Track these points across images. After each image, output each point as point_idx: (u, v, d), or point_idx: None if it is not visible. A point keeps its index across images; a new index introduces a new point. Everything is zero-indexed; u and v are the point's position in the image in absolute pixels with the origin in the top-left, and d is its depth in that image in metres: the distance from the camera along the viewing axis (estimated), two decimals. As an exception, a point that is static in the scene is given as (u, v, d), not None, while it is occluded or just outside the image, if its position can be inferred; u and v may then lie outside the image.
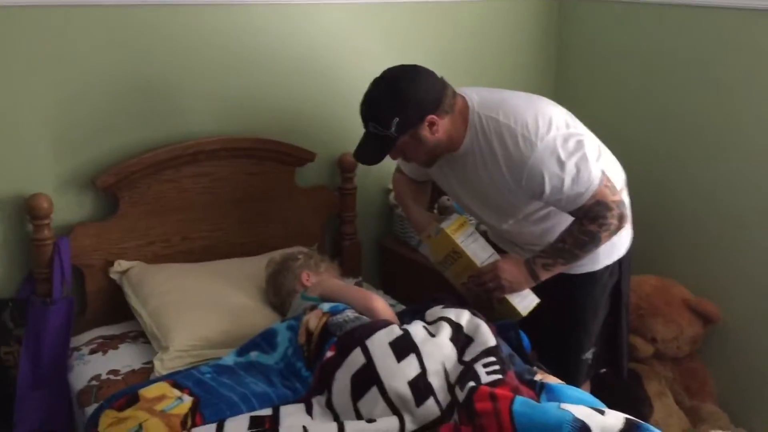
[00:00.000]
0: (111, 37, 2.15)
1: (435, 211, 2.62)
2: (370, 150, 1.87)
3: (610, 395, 2.41)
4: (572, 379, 2.10)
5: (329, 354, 1.72)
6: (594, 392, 2.27)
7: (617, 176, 1.99)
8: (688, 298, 2.60)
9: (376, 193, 2.76)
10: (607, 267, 2.07)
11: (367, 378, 1.65)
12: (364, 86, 1.85)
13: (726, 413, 2.58)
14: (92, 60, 2.13)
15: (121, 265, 2.21)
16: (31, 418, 2.00)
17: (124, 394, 1.70)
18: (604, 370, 2.30)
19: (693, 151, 2.67)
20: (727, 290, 2.60)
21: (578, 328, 2.13)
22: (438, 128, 1.83)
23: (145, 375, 1.91)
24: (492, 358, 1.70)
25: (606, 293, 2.12)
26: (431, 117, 1.81)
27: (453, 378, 1.67)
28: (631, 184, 2.10)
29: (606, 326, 2.17)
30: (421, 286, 2.40)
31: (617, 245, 2.04)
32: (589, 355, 2.17)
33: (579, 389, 1.79)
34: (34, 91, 2.07)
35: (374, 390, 1.63)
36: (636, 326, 2.59)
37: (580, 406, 1.56)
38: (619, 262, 2.10)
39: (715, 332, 2.64)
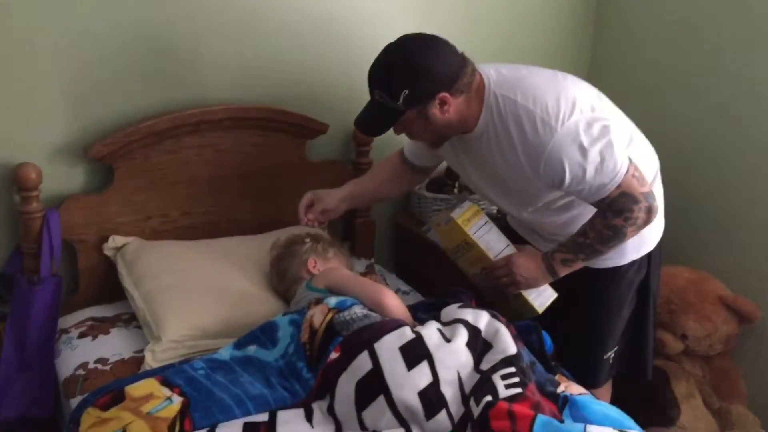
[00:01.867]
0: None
1: (455, 191, 2.46)
2: (372, 119, 1.70)
3: (635, 396, 2.29)
4: (593, 381, 2.02)
5: (333, 355, 1.58)
6: (618, 392, 2.16)
7: (649, 165, 1.83)
8: (724, 294, 2.44)
9: (392, 168, 2.57)
10: (634, 262, 1.92)
11: (374, 386, 1.51)
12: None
13: (758, 417, 2.43)
14: (88, 17, 1.95)
15: (115, 240, 2.07)
16: (17, 402, 1.88)
17: (110, 390, 1.57)
18: (628, 369, 2.15)
19: (735, 135, 2.48)
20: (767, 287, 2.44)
21: (601, 326, 1.99)
22: (449, 108, 1.66)
23: (134, 366, 1.78)
24: (511, 369, 1.55)
25: (632, 289, 1.98)
26: (444, 95, 1.63)
27: (468, 388, 1.53)
28: (666, 169, 1.92)
29: (631, 323, 2.03)
30: (437, 268, 2.24)
31: (647, 238, 1.88)
32: (611, 354, 2.03)
33: (605, 403, 1.65)
34: (22, 50, 1.89)
35: (381, 399, 1.49)
36: (665, 321, 2.44)
37: (607, 429, 1.43)
38: (648, 256, 1.95)
39: (750, 330, 2.48)
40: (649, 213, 1.69)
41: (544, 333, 1.80)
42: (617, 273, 1.91)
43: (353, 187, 2.06)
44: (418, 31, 1.67)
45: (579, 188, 1.65)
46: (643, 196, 1.67)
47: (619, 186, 1.64)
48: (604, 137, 1.62)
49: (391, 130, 1.72)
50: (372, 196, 2.15)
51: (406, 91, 1.60)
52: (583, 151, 1.61)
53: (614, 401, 2.12)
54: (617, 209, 1.66)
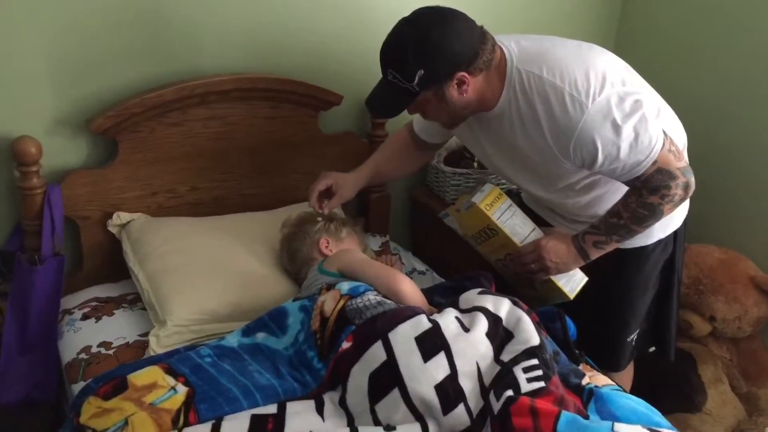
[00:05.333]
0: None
1: (474, 165, 2.35)
2: (384, 100, 1.60)
3: (663, 379, 2.22)
4: (615, 364, 1.98)
5: (346, 345, 1.50)
6: (643, 377, 2.08)
7: (679, 139, 1.72)
8: (756, 275, 2.35)
9: (409, 140, 2.46)
10: (661, 240, 1.84)
11: (388, 378, 1.43)
12: (398, 20, 1.56)
13: (787, 402, 2.35)
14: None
15: (120, 217, 1.99)
16: (18, 386, 1.82)
17: (112, 377, 1.50)
18: (652, 349, 2.09)
19: (766, 111, 2.37)
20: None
21: (624, 308, 1.92)
22: (468, 88, 1.55)
23: (138, 351, 1.71)
24: (534, 361, 1.47)
25: (658, 269, 1.90)
26: (462, 74, 1.52)
27: (488, 380, 1.45)
28: (696, 144, 1.83)
29: (654, 303, 1.96)
30: (455, 246, 2.14)
31: (674, 216, 1.78)
32: (633, 336, 1.96)
33: (632, 397, 1.57)
34: (22, 16, 1.79)
35: (395, 392, 1.42)
36: (694, 302, 2.37)
37: (635, 427, 1.35)
38: (674, 234, 1.86)
39: (781, 312, 2.38)
40: (687, 189, 1.61)
41: (568, 320, 1.71)
42: (643, 253, 1.83)
43: (368, 170, 1.97)
44: (435, 1, 1.56)
45: (612, 167, 1.56)
46: (680, 171, 1.58)
47: (655, 162, 1.54)
48: (637, 112, 1.52)
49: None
50: (384, 178, 2.08)
51: (422, 72, 1.49)
52: (617, 128, 1.50)
53: (639, 386, 2.06)
54: (653, 187, 1.57)
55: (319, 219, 1.92)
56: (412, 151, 1.98)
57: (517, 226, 1.75)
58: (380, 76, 1.59)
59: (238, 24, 2.07)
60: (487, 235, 1.75)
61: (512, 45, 1.60)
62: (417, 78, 1.50)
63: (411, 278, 1.74)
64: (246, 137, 2.12)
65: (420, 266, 2.23)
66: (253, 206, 2.17)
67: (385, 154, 2.00)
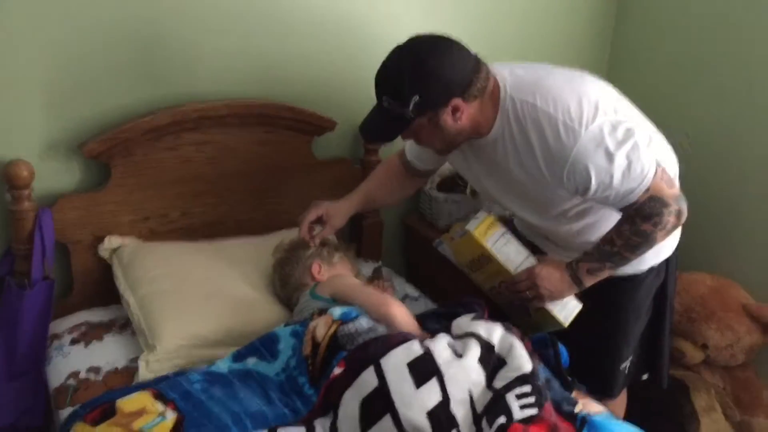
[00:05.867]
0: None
1: (467, 192, 2.35)
2: (379, 126, 1.60)
3: (655, 407, 2.20)
4: (608, 391, 1.96)
5: (337, 371, 1.49)
6: (637, 403, 2.07)
7: (671, 168, 1.73)
8: (747, 303, 2.33)
9: (402, 167, 2.47)
10: (653, 268, 1.84)
11: (380, 404, 1.42)
12: (392, 47, 1.57)
13: (781, 431, 2.33)
14: (79, 10, 1.85)
15: (111, 241, 1.98)
16: (5, 411, 1.80)
17: (101, 403, 1.49)
18: (645, 376, 2.08)
19: (761, 136, 2.38)
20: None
21: (618, 335, 1.91)
22: (462, 115, 1.56)
23: (128, 377, 1.69)
24: (527, 388, 1.46)
25: (650, 296, 1.90)
26: (457, 101, 1.53)
27: (480, 407, 1.44)
28: (687, 170, 1.82)
29: (647, 330, 1.95)
30: (448, 273, 2.13)
31: (666, 243, 1.77)
32: (626, 363, 1.95)
33: (624, 424, 1.55)
34: (16, 40, 1.80)
35: (387, 419, 1.40)
36: (686, 330, 2.35)
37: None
38: (666, 262, 1.86)
39: (773, 340, 2.37)
40: (679, 216, 1.61)
41: (561, 346, 1.70)
42: (635, 280, 1.83)
43: (359, 198, 1.97)
44: (429, 27, 1.57)
45: (605, 195, 1.56)
46: (673, 199, 1.58)
47: (647, 190, 1.55)
48: (629, 140, 1.53)
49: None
50: (376, 205, 2.09)
51: (417, 98, 1.50)
52: (609, 155, 1.51)
53: (632, 414, 2.04)
54: (646, 214, 1.57)
55: (311, 244, 1.91)
56: (404, 178, 1.98)
57: (511, 254, 1.74)
58: (374, 102, 1.60)
59: (233, 48, 2.08)
60: (481, 263, 1.75)
61: (506, 73, 1.61)
62: (412, 104, 1.51)
63: (403, 304, 1.73)
64: (239, 162, 2.12)
65: (412, 292, 2.22)
66: (246, 231, 2.16)
67: (377, 181, 2.00)
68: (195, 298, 1.82)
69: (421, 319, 1.76)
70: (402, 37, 1.56)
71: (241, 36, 2.08)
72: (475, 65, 1.55)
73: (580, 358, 1.76)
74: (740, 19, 2.38)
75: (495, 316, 1.72)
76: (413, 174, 1.97)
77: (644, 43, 2.73)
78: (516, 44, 2.46)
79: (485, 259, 1.73)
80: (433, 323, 1.76)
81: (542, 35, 2.61)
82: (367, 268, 2.29)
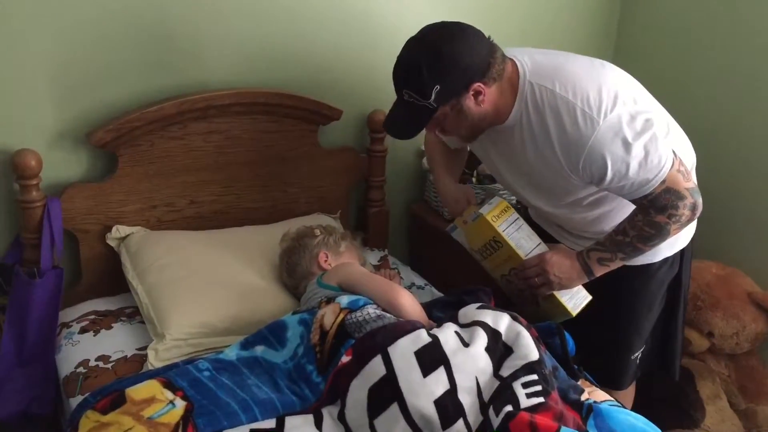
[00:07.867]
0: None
1: (473, 180, 2.35)
2: (403, 121, 1.60)
3: (659, 396, 2.21)
4: (618, 383, 1.95)
5: (345, 359, 1.50)
6: (642, 392, 2.07)
7: (688, 158, 1.71)
8: (753, 291, 2.34)
9: (407, 155, 2.48)
10: (667, 259, 1.82)
11: (387, 393, 1.43)
12: (400, 35, 1.57)
13: (785, 419, 2.33)
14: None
15: (119, 230, 1.99)
16: (16, 400, 1.81)
17: (110, 391, 1.50)
18: (656, 369, 2.07)
19: (766, 123, 2.37)
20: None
21: (629, 326, 1.90)
22: (484, 98, 1.55)
23: (137, 365, 1.70)
24: (533, 376, 1.46)
25: (663, 287, 1.88)
26: (477, 85, 1.53)
27: (487, 395, 1.45)
28: (697, 159, 1.82)
29: (660, 321, 1.94)
30: (454, 261, 2.14)
31: (682, 234, 1.77)
32: (638, 354, 1.94)
33: (631, 413, 1.56)
34: (23, 30, 1.80)
35: (394, 407, 1.41)
36: (692, 318, 2.36)
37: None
38: (681, 252, 1.85)
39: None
40: (694, 210, 1.60)
41: (567, 335, 1.70)
42: (648, 271, 1.82)
43: (450, 173, 1.95)
44: (436, 16, 1.57)
45: (621, 184, 1.56)
46: (689, 192, 1.57)
47: (663, 182, 1.55)
48: (647, 131, 1.52)
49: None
50: (456, 177, 2.02)
51: (438, 87, 1.50)
52: (627, 145, 1.51)
53: (637, 402, 2.05)
54: (661, 206, 1.57)
55: (318, 233, 1.92)
56: (449, 151, 1.96)
57: (523, 240, 1.75)
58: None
59: (240, 37, 2.08)
60: (493, 248, 1.75)
61: (525, 59, 1.61)
62: (434, 94, 1.51)
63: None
64: (246, 151, 2.12)
65: (419, 281, 2.22)
66: (253, 220, 2.17)
67: (442, 158, 1.96)
68: (203, 286, 1.83)
69: (428, 307, 1.77)
70: (407, 26, 1.56)
71: (248, 26, 2.08)
72: (491, 48, 1.55)
73: (590, 348, 1.76)
74: (745, 14, 2.37)
75: (501, 304, 1.72)
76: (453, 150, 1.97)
77: (648, 38, 2.71)
78: (519, 39, 2.45)
79: (497, 243, 1.74)
80: (439, 312, 1.77)
81: (545, 30, 2.61)
82: (373, 257, 2.30)
